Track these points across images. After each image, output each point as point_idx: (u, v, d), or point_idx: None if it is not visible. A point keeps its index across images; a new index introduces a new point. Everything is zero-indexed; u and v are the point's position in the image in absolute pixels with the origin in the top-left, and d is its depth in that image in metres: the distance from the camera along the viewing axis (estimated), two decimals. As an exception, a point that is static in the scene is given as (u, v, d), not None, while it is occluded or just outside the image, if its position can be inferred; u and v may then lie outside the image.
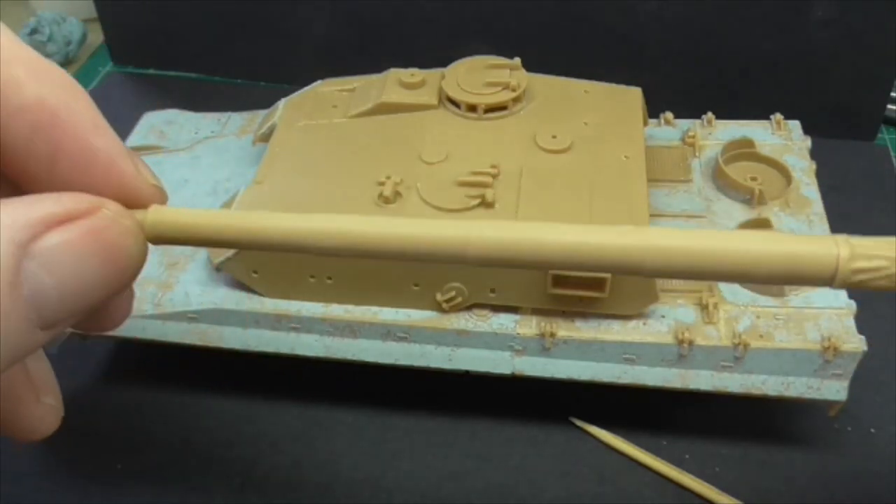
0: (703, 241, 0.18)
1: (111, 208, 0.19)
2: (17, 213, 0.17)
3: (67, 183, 0.19)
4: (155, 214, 0.20)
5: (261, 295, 0.34)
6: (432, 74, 0.37)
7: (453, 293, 0.32)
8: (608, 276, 0.31)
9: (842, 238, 0.17)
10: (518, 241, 0.18)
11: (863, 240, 0.17)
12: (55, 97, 0.18)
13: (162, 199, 0.21)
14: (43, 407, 0.23)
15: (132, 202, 0.20)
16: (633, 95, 0.38)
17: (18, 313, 0.17)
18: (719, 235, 0.18)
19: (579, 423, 0.36)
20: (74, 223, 0.18)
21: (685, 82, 0.49)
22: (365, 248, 0.19)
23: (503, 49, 0.38)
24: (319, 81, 0.40)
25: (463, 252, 0.18)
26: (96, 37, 0.58)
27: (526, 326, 0.33)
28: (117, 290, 0.20)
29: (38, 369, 0.23)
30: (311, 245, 0.19)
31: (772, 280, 0.18)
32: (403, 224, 0.19)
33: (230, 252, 0.33)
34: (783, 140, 0.39)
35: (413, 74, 0.37)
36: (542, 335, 0.32)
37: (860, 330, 0.31)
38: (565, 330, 0.32)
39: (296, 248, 0.19)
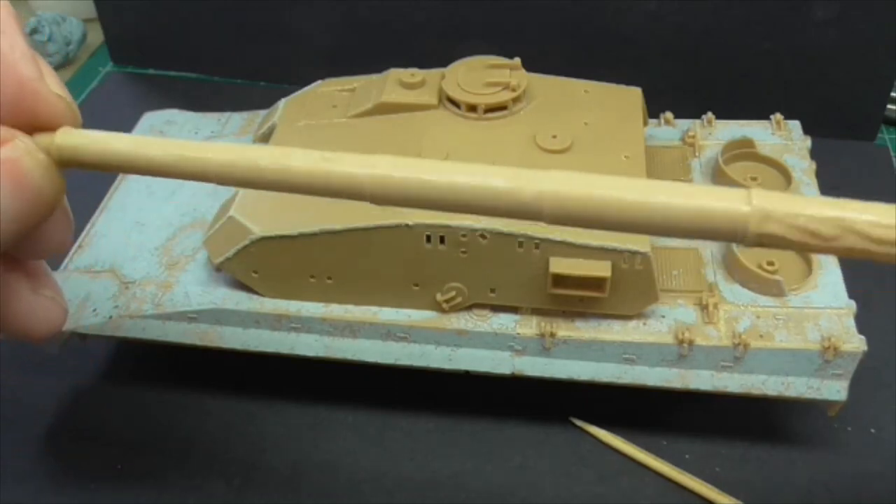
0: (608, 190, 0.17)
1: (24, 141, 0.19)
2: None
3: None
4: (64, 138, 0.20)
5: (261, 295, 0.34)
6: (432, 74, 0.37)
7: (453, 293, 0.32)
8: (608, 276, 0.31)
9: (754, 192, 0.16)
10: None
11: (771, 197, 0.16)
12: None
13: (67, 110, 0.21)
14: (41, 299, 0.23)
15: (35, 109, 0.20)
16: (633, 95, 0.38)
17: None
18: (623, 184, 0.17)
19: (579, 423, 0.36)
20: None
21: (685, 82, 0.49)
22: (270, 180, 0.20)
23: (503, 49, 0.38)
24: (319, 81, 0.40)
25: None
26: (96, 37, 0.58)
27: (526, 326, 0.33)
28: (32, 222, 0.20)
29: (32, 267, 0.24)
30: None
31: (679, 234, 0.17)
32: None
33: (230, 252, 0.33)
34: (783, 140, 0.39)
35: (413, 74, 0.37)
36: (542, 335, 0.32)
37: (860, 330, 0.31)
38: (565, 330, 0.32)
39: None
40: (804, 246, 0.16)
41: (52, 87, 0.20)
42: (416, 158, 0.19)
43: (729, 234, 0.17)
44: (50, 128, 0.20)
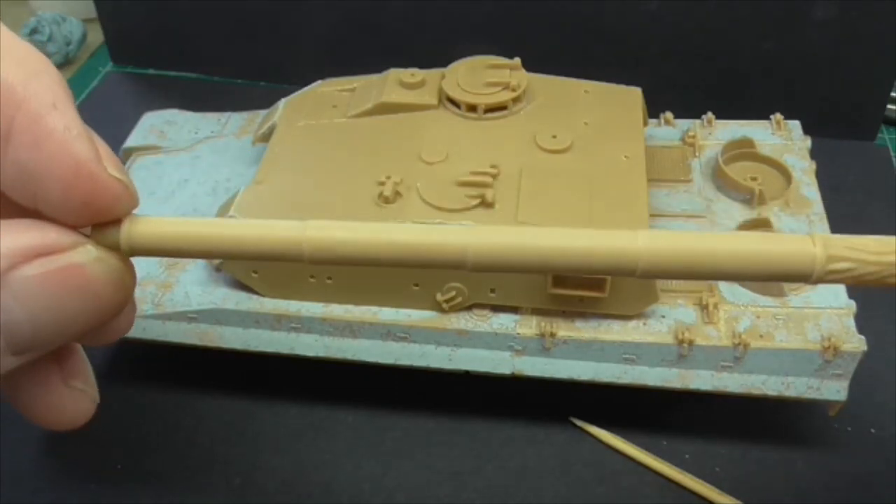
0: (693, 243, 0.18)
1: (93, 247, 0.19)
2: None
3: (18, 163, 0.18)
4: (133, 227, 0.19)
5: (261, 295, 0.34)
6: (432, 74, 0.37)
7: (453, 293, 0.32)
8: (608, 276, 0.31)
9: (818, 237, 0.18)
10: (513, 246, 0.19)
11: (836, 238, 0.18)
12: (12, 74, 0.18)
13: (125, 194, 0.19)
14: (71, 392, 0.22)
15: (93, 195, 0.19)
16: (633, 95, 0.38)
17: None
18: (708, 238, 0.19)
19: (579, 423, 0.36)
20: (52, 257, 0.18)
21: (685, 82, 0.49)
22: (352, 256, 0.19)
23: (503, 49, 0.38)
24: (319, 81, 0.40)
25: (462, 259, 0.19)
26: (96, 37, 0.58)
27: (526, 326, 0.33)
28: (98, 322, 0.19)
29: (66, 353, 0.23)
30: (305, 255, 0.19)
31: (756, 278, 0.19)
32: (397, 230, 0.19)
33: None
34: (783, 140, 0.39)
35: (413, 74, 0.37)
36: (542, 335, 0.32)
37: (860, 330, 0.31)
38: (565, 330, 0.32)
39: (285, 257, 0.19)
40: (870, 273, 0.18)
41: (109, 170, 0.19)
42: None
43: (800, 275, 0.18)
44: (108, 214, 0.19)
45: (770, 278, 0.19)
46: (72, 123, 0.18)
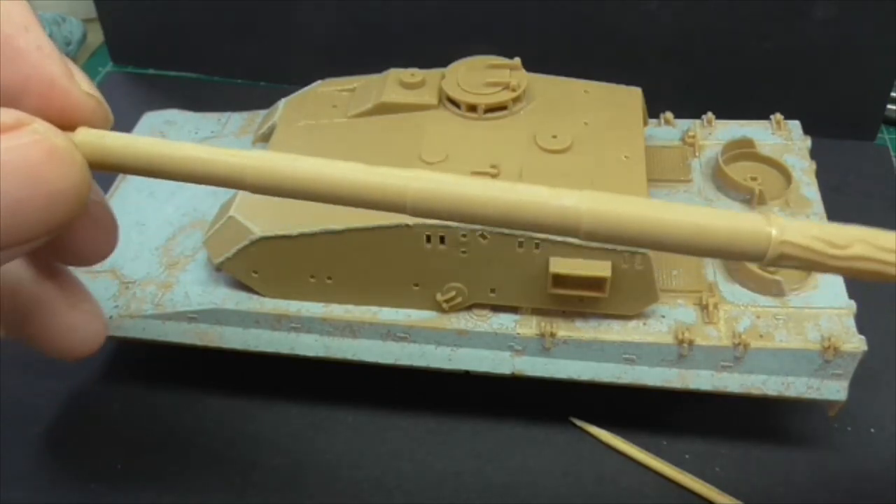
0: (644, 209, 0.18)
1: (41, 125, 0.19)
2: None
3: None
4: (83, 136, 0.20)
5: (261, 295, 0.34)
6: (432, 74, 0.37)
7: (453, 293, 0.32)
8: (608, 275, 0.31)
9: (773, 216, 0.18)
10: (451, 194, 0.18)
11: (789, 220, 0.18)
12: None
13: (98, 108, 0.20)
14: (81, 314, 0.22)
15: (66, 108, 0.19)
16: (633, 95, 0.38)
17: None
18: (662, 206, 0.18)
19: (579, 423, 0.36)
20: (21, 130, 0.18)
21: (685, 82, 0.49)
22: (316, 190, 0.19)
23: (503, 49, 0.38)
24: (319, 81, 0.40)
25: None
26: (96, 37, 0.58)
27: (526, 326, 0.33)
28: (58, 215, 0.19)
29: (65, 282, 0.23)
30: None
31: (703, 253, 0.18)
32: (343, 168, 0.20)
33: (231, 252, 0.33)
34: (783, 140, 0.39)
35: (413, 74, 0.37)
36: (542, 335, 0.32)
37: (860, 330, 0.31)
38: (565, 330, 0.32)
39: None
40: (820, 256, 0.17)
41: (82, 86, 0.20)
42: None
43: (751, 253, 0.17)
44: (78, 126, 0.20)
45: (720, 254, 0.18)
46: (43, 43, 0.19)
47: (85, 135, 0.20)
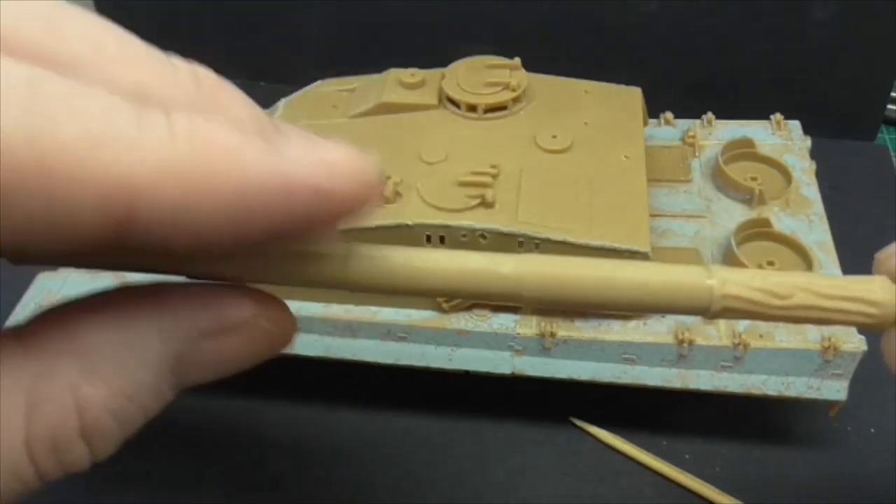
0: (583, 270, 0.17)
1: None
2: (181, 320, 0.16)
3: None
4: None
5: (261, 295, 0.34)
6: (432, 74, 0.37)
7: (453, 293, 0.32)
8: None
9: (714, 268, 0.17)
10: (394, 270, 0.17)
11: (731, 271, 0.17)
12: None
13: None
14: None
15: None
16: (633, 95, 0.38)
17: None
18: (598, 265, 0.17)
19: (579, 423, 0.36)
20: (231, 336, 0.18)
21: (685, 82, 0.49)
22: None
23: (503, 49, 0.38)
24: (319, 81, 0.40)
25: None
26: (96, 37, 0.58)
27: (526, 326, 0.33)
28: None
29: None
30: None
31: (648, 309, 0.17)
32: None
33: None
34: (783, 140, 0.39)
35: (413, 74, 0.37)
36: (542, 335, 0.32)
37: (860, 330, 0.31)
38: (565, 330, 0.32)
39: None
40: (763, 308, 0.17)
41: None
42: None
43: (695, 308, 0.17)
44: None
45: (667, 311, 0.17)
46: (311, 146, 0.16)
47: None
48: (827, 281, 0.17)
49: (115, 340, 0.16)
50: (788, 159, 0.38)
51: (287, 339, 0.19)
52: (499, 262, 0.17)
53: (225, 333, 0.18)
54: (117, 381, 0.16)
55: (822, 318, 0.17)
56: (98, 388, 0.16)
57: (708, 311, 0.17)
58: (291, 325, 0.19)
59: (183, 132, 0.13)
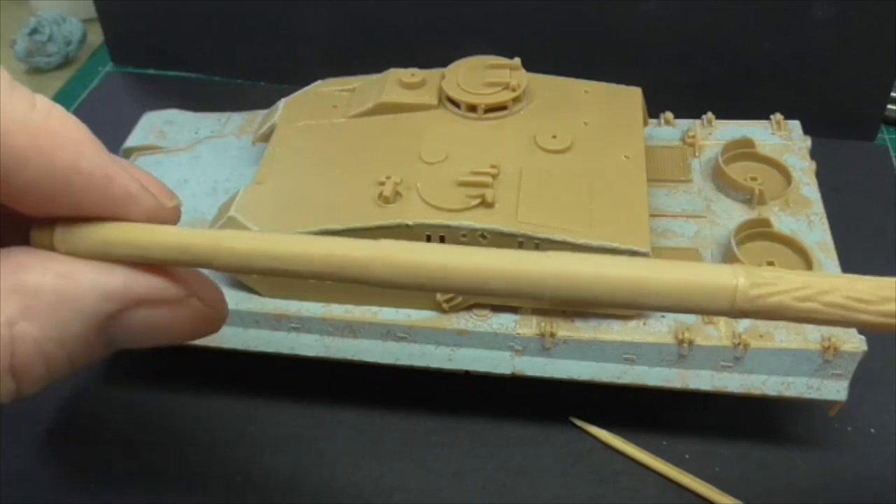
0: (612, 269, 0.17)
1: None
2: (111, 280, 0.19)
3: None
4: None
5: (260, 295, 0.34)
6: (432, 74, 0.37)
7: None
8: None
9: (740, 268, 0.17)
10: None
11: (759, 270, 0.17)
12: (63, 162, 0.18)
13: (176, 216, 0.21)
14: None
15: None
16: (633, 95, 0.38)
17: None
18: (629, 264, 0.17)
19: (579, 423, 0.36)
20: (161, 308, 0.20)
21: (685, 82, 0.49)
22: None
23: (503, 49, 0.38)
24: (319, 81, 0.40)
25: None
26: (96, 37, 0.58)
27: (526, 326, 0.33)
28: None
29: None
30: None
31: (671, 309, 0.17)
32: (307, 242, 0.19)
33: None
34: (783, 140, 0.39)
35: (413, 74, 0.37)
36: (542, 335, 0.32)
37: (860, 330, 0.31)
38: (565, 330, 0.32)
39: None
40: (792, 310, 0.17)
41: (166, 203, 0.21)
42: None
43: (720, 308, 0.17)
44: None
45: (685, 310, 0.17)
46: (129, 181, 0.20)
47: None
48: (854, 284, 0.17)
49: (59, 289, 0.18)
50: (788, 159, 0.38)
51: (217, 323, 0.22)
52: (528, 260, 0.17)
53: (159, 305, 0.20)
54: (51, 326, 0.18)
55: (846, 317, 0.17)
56: (33, 327, 0.18)
57: (731, 311, 0.17)
58: (223, 310, 0.22)
59: (43, 107, 0.18)
